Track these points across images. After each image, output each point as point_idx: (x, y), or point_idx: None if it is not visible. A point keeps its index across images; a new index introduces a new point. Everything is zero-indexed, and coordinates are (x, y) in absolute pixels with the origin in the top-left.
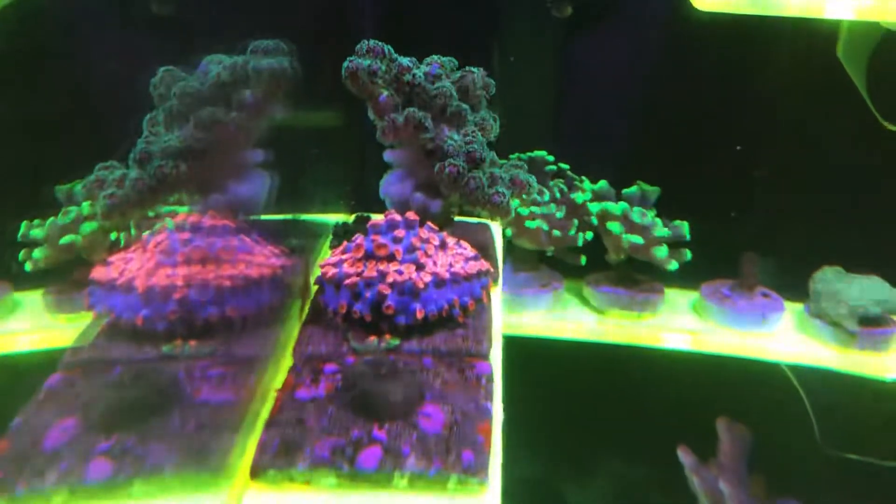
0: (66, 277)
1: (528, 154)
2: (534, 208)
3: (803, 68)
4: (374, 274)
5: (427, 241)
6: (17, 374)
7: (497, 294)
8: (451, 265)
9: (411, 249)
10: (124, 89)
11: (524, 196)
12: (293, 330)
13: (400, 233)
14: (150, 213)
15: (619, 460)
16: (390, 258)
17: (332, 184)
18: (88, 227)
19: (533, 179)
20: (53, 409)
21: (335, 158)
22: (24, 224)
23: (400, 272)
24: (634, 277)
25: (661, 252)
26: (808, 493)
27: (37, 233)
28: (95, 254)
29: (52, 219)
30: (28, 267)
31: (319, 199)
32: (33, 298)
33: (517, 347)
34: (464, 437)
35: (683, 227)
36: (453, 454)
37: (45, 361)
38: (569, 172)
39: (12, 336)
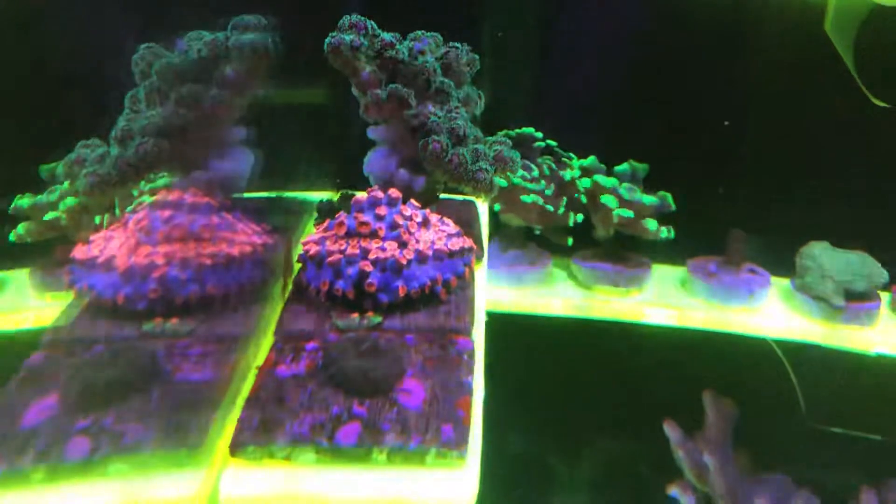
0: (51, 256)
1: (516, 131)
2: (525, 183)
3: (791, 43)
4: (357, 251)
5: (410, 218)
6: (2, 354)
7: (481, 271)
8: (433, 242)
9: (394, 226)
10: (106, 66)
11: (508, 174)
12: (275, 308)
13: (382, 210)
14: (133, 192)
15: (604, 435)
16: (373, 235)
17: (317, 161)
18: (69, 202)
19: (517, 155)
20: (33, 387)
21: (319, 135)
22: (15, 198)
23: (383, 249)
24: (622, 253)
25: (652, 224)
26: (794, 466)
27: (23, 202)
28: (80, 233)
29: (38, 196)
30: (12, 237)
31: (303, 176)
32: (19, 277)
33: (505, 324)
34: (443, 411)
35: (668, 198)
36: (433, 428)
37: (30, 340)
38: (557, 149)
39: None
